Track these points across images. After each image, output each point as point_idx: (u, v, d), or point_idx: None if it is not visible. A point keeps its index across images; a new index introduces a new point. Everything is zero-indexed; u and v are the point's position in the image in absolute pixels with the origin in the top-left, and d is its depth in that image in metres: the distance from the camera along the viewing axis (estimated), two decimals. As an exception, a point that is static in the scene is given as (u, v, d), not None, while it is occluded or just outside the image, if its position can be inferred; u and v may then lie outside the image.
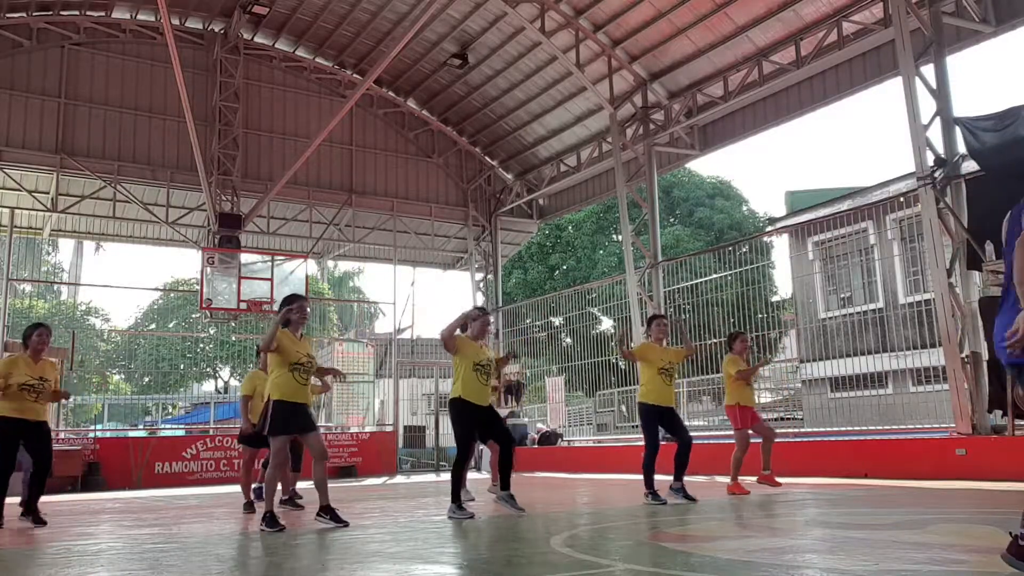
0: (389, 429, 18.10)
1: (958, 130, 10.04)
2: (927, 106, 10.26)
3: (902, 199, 12.21)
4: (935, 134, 10.21)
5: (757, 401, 8.85)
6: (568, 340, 22.42)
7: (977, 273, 10.18)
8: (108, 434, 19.86)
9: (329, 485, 6.12)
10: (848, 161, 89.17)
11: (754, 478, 8.44)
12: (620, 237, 22.65)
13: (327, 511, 5.90)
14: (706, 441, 12.79)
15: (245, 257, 15.96)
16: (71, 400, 13.50)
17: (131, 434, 21.43)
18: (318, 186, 17.73)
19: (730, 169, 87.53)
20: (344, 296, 41.20)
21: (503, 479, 6.73)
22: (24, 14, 15.04)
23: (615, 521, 6.07)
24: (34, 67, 15.21)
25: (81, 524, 7.18)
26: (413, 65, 17.44)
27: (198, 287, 16.58)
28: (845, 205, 16.80)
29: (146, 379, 34.04)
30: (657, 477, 7.33)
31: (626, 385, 19.37)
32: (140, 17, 16.07)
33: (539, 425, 18.52)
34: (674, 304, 15.16)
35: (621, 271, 17.34)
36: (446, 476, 13.48)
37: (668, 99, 15.14)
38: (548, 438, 17.12)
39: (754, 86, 13.50)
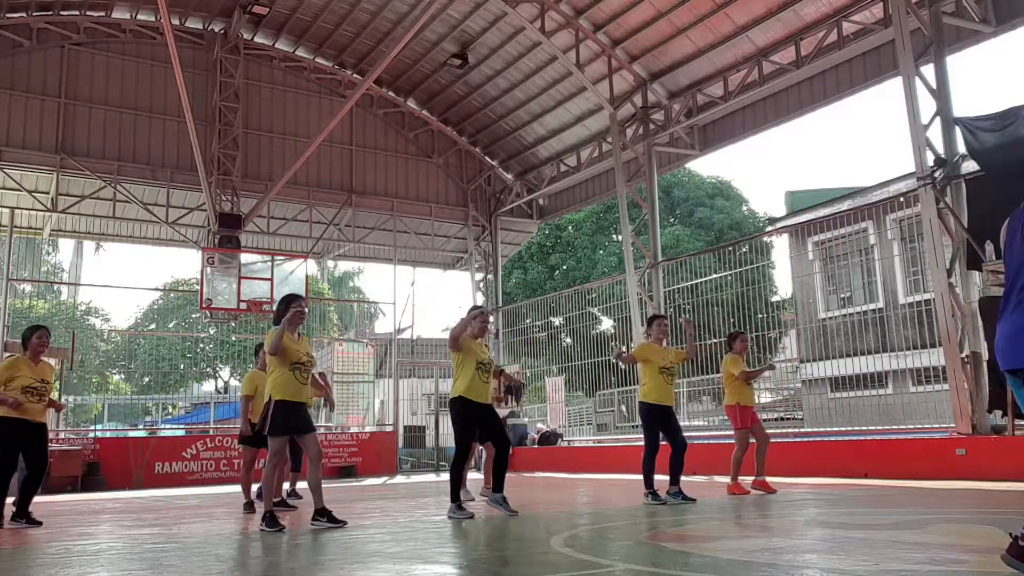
0: (389, 429, 18.10)
1: (958, 130, 10.03)
2: (927, 106, 10.26)
3: (902, 199, 12.21)
4: (935, 134, 10.21)
5: (757, 401, 8.85)
6: (568, 340, 22.42)
7: (977, 273, 10.17)
8: (108, 434, 19.87)
9: (329, 485, 6.14)
10: (848, 161, 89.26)
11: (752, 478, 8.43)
12: (620, 237, 22.65)
13: (323, 513, 5.89)
14: (706, 441, 12.80)
15: (245, 257, 15.96)
16: (71, 400, 13.51)
17: (131, 434, 21.44)
18: (318, 186, 17.73)
19: (730, 169, 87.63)
20: (344, 296, 41.21)
21: (497, 481, 6.74)
22: (24, 14, 15.04)
23: (615, 521, 6.07)
24: (34, 67, 15.21)
25: (81, 524, 7.18)
26: (413, 65, 17.45)
27: (198, 287, 16.58)
28: (845, 205, 16.80)
29: (146, 379, 34.06)
30: (657, 477, 7.33)
31: (626, 385, 19.38)
32: (140, 17, 16.07)
33: (539, 425, 18.52)
34: (674, 304, 15.16)
35: (621, 271, 17.34)
36: (446, 476, 13.48)
37: (668, 99, 15.14)
38: (548, 438, 17.12)
39: (754, 86, 13.50)
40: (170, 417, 33.88)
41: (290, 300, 6.11)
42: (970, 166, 10.26)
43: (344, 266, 44.32)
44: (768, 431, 8.83)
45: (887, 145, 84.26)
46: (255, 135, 17.06)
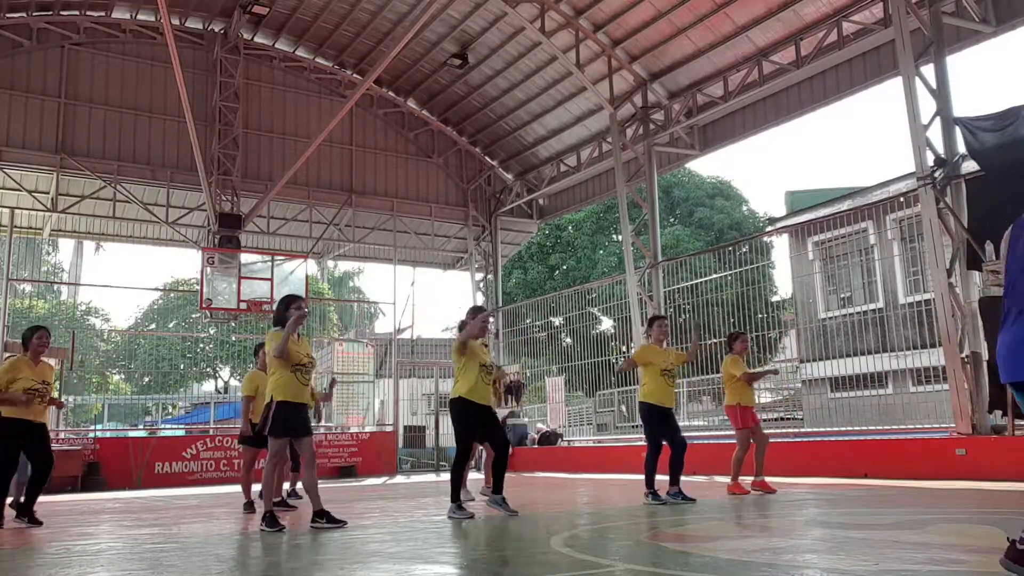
0: (389, 429, 18.09)
1: (958, 130, 10.03)
2: (927, 106, 10.26)
3: (902, 199, 12.21)
4: (935, 134, 10.21)
5: (757, 401, 8.85)
6: (568, 340, 22.42)
7: (977, 273, 10.17)
8: (108, 434, 19.85)
9: (329, 485, 6.14)
10: (848, 161, 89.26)
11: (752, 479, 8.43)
12: (620, 237, 22.65)
13: (322, 515, 5.89)
14: (706, 441, 12.80)
15: (245, 257, 15.96)
16: (71, 400, 13.50)
17: (131, 434, 21.42)
18: (318, 186, 17.73)
19: (730, 169, 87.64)
20: (344, 296, 41.20)
21: (496, 482, 6.75)
22: (24, 14, 15.05)
23: (615, 521, 6.07)
24: (34, 67, 15.21)
25: (81, 524, 7.18)
26: (413, 65, 17.45)
27: (198, 287, 16.58)
28: (845, 205, 16.80)
29: (146, 379, 34.06)
30: (658, 477, 7.33)
31: (626, 385, 19.37)
32: (140, 17, 16.07)
33: (539, 425, 18.52)
34: (674, 304, 15.17)
35: (621, 271, 17.34)
36: (446, 476, 13.48)
37: (668, 99, 15.14)
38: (548, 438, 17.12)
39: (754, 86, 13.50)
40: (170, 417, 33.87)
41: (290, 301, 6.10)
42: (970, 166, 10.26)
43: (344, 266, 44.39)
44: (768, 431, 8.84)
45: (887, 145, 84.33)
46: (255, 135, 17.06)
